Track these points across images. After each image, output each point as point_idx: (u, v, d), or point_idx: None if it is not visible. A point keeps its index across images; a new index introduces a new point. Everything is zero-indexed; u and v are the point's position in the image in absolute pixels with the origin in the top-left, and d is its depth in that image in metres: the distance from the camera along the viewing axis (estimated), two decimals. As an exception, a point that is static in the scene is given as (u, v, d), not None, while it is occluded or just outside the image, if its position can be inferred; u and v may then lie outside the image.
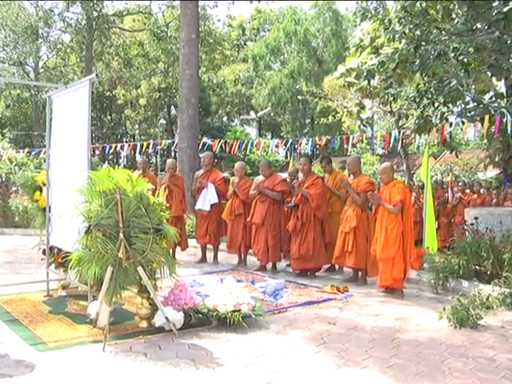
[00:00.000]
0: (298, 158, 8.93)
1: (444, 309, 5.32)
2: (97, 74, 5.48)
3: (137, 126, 41.99)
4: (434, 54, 6.88)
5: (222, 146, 15.63)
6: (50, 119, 6.23)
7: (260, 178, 8.46)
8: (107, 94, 36.92)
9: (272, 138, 46.76)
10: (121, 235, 4.49)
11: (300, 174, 8.21)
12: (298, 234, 7.67)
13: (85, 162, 5.10)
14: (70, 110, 5.64)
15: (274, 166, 29.71)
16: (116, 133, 41.17)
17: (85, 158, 5.12)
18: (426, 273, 7.20)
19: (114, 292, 4.57)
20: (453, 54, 7.00)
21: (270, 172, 8.42)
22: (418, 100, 8.46)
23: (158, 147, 18.38)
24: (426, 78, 8.00)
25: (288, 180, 8.41)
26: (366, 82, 8.20)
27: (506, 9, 6.51)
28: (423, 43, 7.11)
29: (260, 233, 8.13)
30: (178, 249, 9.05)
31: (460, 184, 14.05)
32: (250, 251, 8.65)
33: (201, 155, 10.97)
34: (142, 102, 36.15)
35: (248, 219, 8.29)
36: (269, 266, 8.29)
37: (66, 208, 5.07)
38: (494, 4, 6.83)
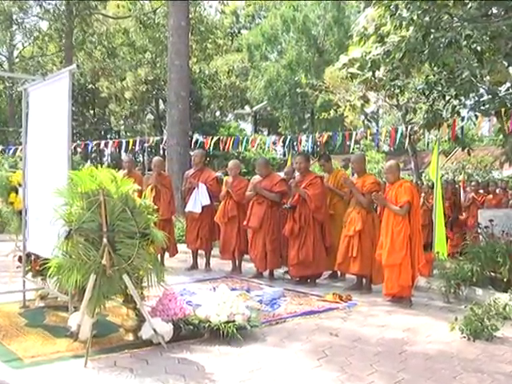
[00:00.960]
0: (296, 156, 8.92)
1: (456, 319, 5.32)
2: (78, 65, 5.50)
3: (122, 122, 41.92)
4: (444, 43, 6.88)
5: (214, 143, 15.63)
6: (27, 114, 6.20)
7: (257, 177, 8.47)
8: (89, 86, 36.78)
9: (269, 134, 46.68)
10: (104, 240, 4.48)
11: (297, 174, 8.22)
12: (296, 239, 7.68)
13: (65, 160, 5.09)
14: (48, 104, 5.63)
15: (271, 165, 29.70)
16: (99, 129, 41.07)
17: (65, 156, 5.11)
18: (437, 280, 7.21)
19: (97, 302, 4.55)
20: (465, 42, 6.99)
21: (268, 171, 8.43)
22: (427, 93, 8.47)
23: (146, 144, 18.40)
24: (435, 69, 8.01)
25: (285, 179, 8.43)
26: (371, 73, 8.21)
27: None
28: (433, 30, 7.11)
29: (257, 237, 8.14)
30: (167, 255, 9.06)
31: (473, 184, 14.08)
32: (246, 257, 8.66)
33: (191, 153, 10.97)
34: (128, 95, 36.05)
35: (244, 223, 8.31)
36: (265, 273, 8.30)
37: (45, 211, 5.05)
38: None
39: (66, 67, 5.55)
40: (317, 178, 7.83)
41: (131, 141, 17.26)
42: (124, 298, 4.88)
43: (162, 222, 8.54)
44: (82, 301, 4.57)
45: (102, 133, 41.80)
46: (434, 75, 8.38)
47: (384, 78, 8.81)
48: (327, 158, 8.57)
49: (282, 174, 9.08)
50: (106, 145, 18.71)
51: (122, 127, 42.62)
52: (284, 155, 44.27)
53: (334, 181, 8.20)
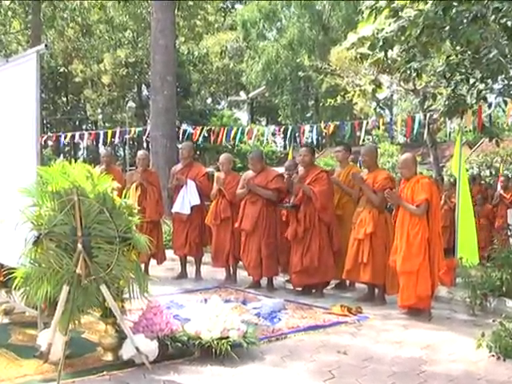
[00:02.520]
0: (299, 149, 8.98)
1: (483, 335, 5.32)
2: (47, 45, 5.47)
3: (99, 110, 41.90)
4: (468, 17, 6.88)
5: (205, 135, 15.65)
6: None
7: (249, 173, 8.48)
8: (61, 69, 36.82)
9: (267, 124, 46.82)
10: (79, 246, 4.48)
11: (300, 168, 8.23)
12: (299, 243, 7.69)
13: (33, 155, 5.09)
14: (12, 90, 5.61)
15: (270, 159, 29.79)
16: (73, 119, 41.14)
17: (33, 150, 5.10)
18: (460, 289, 7.23)
19: (70, 317, 4.56)
20: (493, 17, 6.99)
21: (263, 165, 8.44)
22: (448, 75, 8.47)
23: (126, 136, 18.42)
24: (458, 48, 8.01)
25: (286, 176, 8.44)
26: (383, 53, 8.20)
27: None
28: (455, 3, 7.11)
29: (251, 241, 8.16)
30: (153, 262, 9.08)
31: (502, 179, 14.09)
32: (241, 264, 8.67)
33: (179, 146, 10.97)
34: (106, 79, 36.07)
35: (236, 224, 8.31)
36: (264, 281, 8.31)
37: (9, 213, 5.03)
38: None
39: (34, 47, 5.54)
40: (323, 173, 7.85)
41: (110, 132, 17.29)
42: (102, 312, 4.88)
43: (149, 224, 8.60)
44: (54, 316, 4.57)
45: (77, 123, 41.86)
46: (456, 55, 8.37)
47: (398, 59, 8.79)
48: (347, 148, 8.59)
49: (282, 170, 9.07)
50: (80, 137, 18.73)
51: (100, 117, 42.62)
52: (285, 148, 44.32)
53: (346, 177, 8.22)
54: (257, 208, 8.14)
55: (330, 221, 7.74)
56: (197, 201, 8.84)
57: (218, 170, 9.13)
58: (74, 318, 4.64)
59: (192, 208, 8.84)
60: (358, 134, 13.75)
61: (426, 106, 15.88)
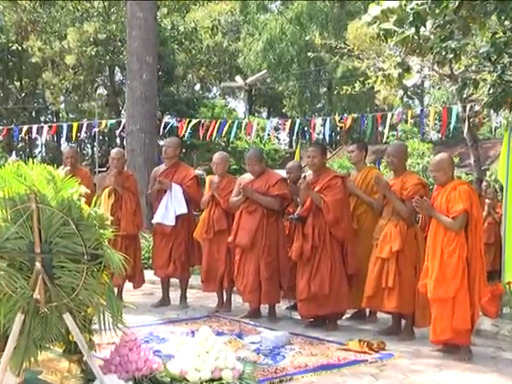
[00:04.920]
0: (308, 148, 9.00)
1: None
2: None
3: (62, 98, 41.92)
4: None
5: (192, 129, 15.67)
6: None
7: (247, 176, 8.50)
8: (14, 47, 36.81)
9: (269, 116, 46.85)
10: (38, 265, 4.47)
11: (308, 172, 8.24)
12: (306, 264, 7.71)
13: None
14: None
15: (272, 160, 29.81)
16: (29, 108, 41.10)
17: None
18: (507, 322, 7.23)
19: (25, 353, 4.55)
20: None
21: (262, 167, 8.47)
22: (493, 57, 8.50)
23: (96, 130, 18.40)
24: (507, 23, 8.04)
25: (288, 180, 8.47)
26: (413, 29, 8.23)
27: None
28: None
29: (248, 260, 8.19)
30: (129, 285, 9.14)
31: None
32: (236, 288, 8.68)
33: (162, 142, 11.01)
34: (70, 60, 36.01)
35: (229, 239, 8.32)
36: (264, 310, 8.32)
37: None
38: None
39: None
40: (337, 179, 7.85)
41: (75, 125, 17.31)
42: (65, 348, 4.87)
43: (125, 239, 8.61)
44: (4, 352, 4.57)
45: (33, 114, 41.83)
46: (504, 32, 8.40)
47: (432, 37, 8.82)
48: (362, 147, 8.60)
49: (284, 173, 9.10)
50: (38, 131, 18.73)
51: (62, 106, 42.64)
52: (290, 146, 44.40)
53: (362, 182, 8.24)
54: (255, 219, 8.16)
55: (344, 237, 7.75)
56: (183, 209, 8.85)
57: (209, 173, 9.16)
58: (30, 355, 4.62)
59: (177, 218, 8.85)
60: (380, 129, 13.78)
61: (465, 96, 15.91)
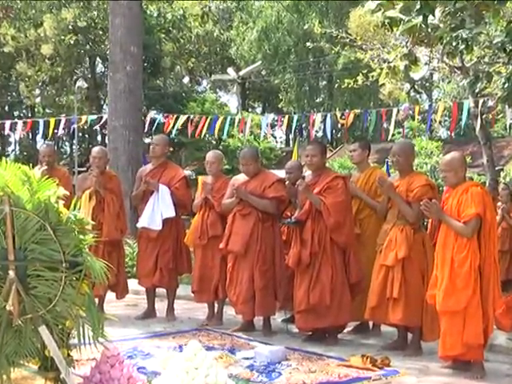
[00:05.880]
0: (306, 146, 9.00)
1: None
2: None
3: (38, 92, 41.92)
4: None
5: (181, 126, 15.68)
6: None
7: (240, 177, 8.51)
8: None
9: (264, 112, 46.91)
10: (11, 273, 4.47)
11: (307, 172, 8.25)
12: (304, 272, 7.70)
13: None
14: None
15: (268, 159, 29.88)
16: (1, 102, 41.07)
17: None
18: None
19: (-2, 369, 4.55)
20: None
21: (258, 167, 8.46)
22: (508, 48, 8.53)
23: (75, 126, 18.42)
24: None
25: (288, 180, 8.47)
26: (421, 17, 8.25)
27: None
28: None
29: (241, 268, 8.17)
30: (111, 296, 9.11)
31: None
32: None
33: (147, 140, 11.01)
34: (47, 50, 36.00)
35: (221, 245, 8.31)
36: (258, 322, 8.32)
37: None
38: None
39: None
40: (338, 180, 7.84)
41: (52, 121, 17.31)
42: (40, 364, 4.86)
43: (107, 245, 8.59)
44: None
45: (6, 108, 41.79)
46: (520, 21, 8.43)
47: (441, 26, 8.84)
48: (365, 146, 8.60)
49: (283, 173, 9.10)
50: (11, 127, 18.71)
51: (38, 100, 42.61)
52: (287, 144, 44.49)
53: (366, 184, 8.25)
54: (249, 223, 8.15)
55: (345, 242, 7.74)
56: (171, 213, 8.83)
57: (199, 173, 9.17)
58: (2, 372, 4.62)
59: (164, 222, 8.84)
60: (385, 126, 13.81)
61: (477, 90, 15.94)
